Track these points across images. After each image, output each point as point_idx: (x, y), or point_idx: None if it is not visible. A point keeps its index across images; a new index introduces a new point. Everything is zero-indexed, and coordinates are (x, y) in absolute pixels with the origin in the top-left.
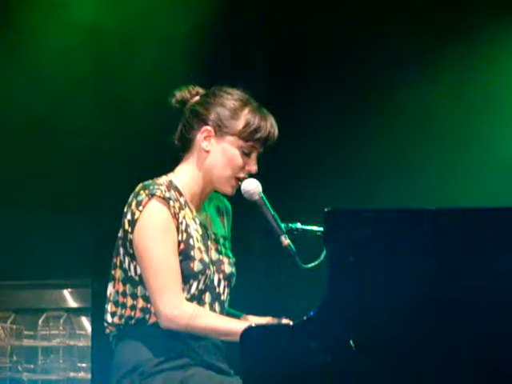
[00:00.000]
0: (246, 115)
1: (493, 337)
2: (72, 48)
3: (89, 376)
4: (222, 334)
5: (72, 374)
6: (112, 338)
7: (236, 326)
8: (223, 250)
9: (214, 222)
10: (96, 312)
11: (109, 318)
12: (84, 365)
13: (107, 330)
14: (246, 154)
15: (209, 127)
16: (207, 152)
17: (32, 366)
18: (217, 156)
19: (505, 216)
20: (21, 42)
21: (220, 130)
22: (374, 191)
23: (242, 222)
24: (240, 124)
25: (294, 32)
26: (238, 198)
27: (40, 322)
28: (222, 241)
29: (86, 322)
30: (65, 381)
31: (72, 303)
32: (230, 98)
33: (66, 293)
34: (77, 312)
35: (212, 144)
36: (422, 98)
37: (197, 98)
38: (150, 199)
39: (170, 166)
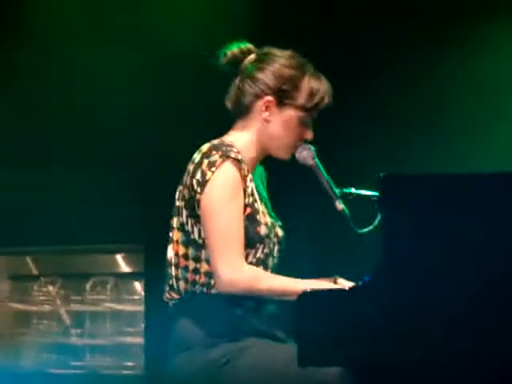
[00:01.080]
0: (306, 85)
1: None
2: None
3: (136, 340)
4: (284, 294)
5: (119, 339)
6: (172, 307)
7: (297, 285)
8: (272, 214)
9: (260, 188)
10: (149, 277)
11: (174, 283)
12: (131, 329)
13: (167, 296)
14: (304, 124)
15: (270, 97)
16: (267, 121)
17: (79, 331)
18: (277, 126)
19: None
20: None
21: (281, 101)
22: (430, 157)
23: (297, 186)
24: (302, 95)
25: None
26: (291, 163)
27: (88, 286)
28: (269, 205)
29: (138, 286)
30: (113, 345)
31: (124, 268)
32: (288, 65)
33: (119, 257)
34: (129, 277)
35: (273, 114)
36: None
37: (250, 57)
38: (224, 161)
39: (222, 128)
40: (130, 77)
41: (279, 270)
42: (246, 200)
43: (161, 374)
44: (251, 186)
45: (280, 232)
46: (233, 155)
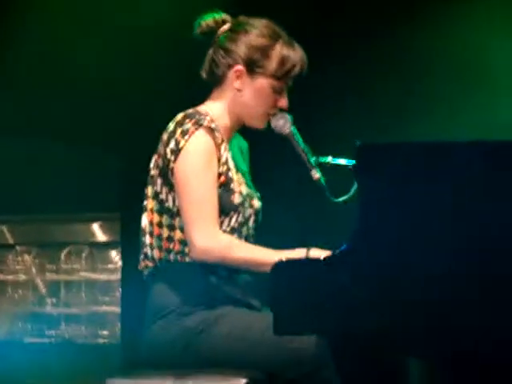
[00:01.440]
0: (277, 54)
1: None
2: None
3: (112, 309)
4: (257, 264)
5: (95, 308)
6: (147, 275)
7: (271, 255)
8: (250, 185)
9: (239, 159)
10: (125, 245)
11: (148, 251)
12: (107, 298)
13: (142, 264)
14: (277, 92)
15: (240, 66)
16: (239, 91)
17: (54, 300)
18: (249, 95)
19: None
20: None
21: (252, 69)
22: (404, 124)
23: (271, 156)
24: (273, 63)
25: None
26: (267, 132)
27: (62, 255)
28: (247, 176)
29: (114, 255)
30: (88, 314)
31: (100, 237)
32: (259, 34)
33: (95, 226)
34: (105, 246)
35: (244, 83)
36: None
37: (224, 27)
38: (196, 129)
39: (198, 99)
40: (104, 49)
41: (256, 240)
42: (220, 168)
43: (137, 342)
44: (225, 154)
45: (257, 203)
46: (206, 123)
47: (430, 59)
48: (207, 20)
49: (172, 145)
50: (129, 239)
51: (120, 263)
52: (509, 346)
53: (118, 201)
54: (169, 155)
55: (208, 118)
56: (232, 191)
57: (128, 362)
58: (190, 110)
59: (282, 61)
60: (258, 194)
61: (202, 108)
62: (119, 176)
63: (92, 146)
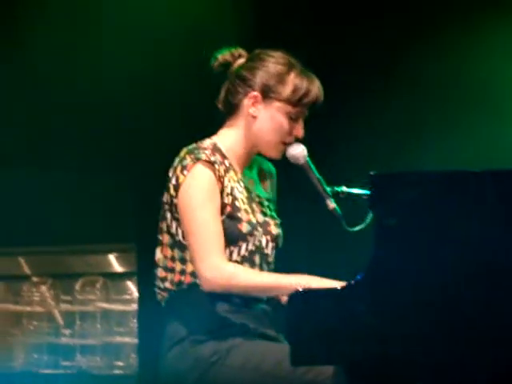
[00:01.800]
0: (292, 80)
1: None
2: None
3: (127, 340)
4: (265, 289)
5: (109, 339)
6: (163, 306)
7: (279, 279)
8: (268, 212)
9: (256, 185)
10: (142, 276)
11: (160, 284)
12: (121, 329)
13: (159, 296)
14: (293, 119)
15: (256, 92)
16: (254, 118)
17: (70, 331)
18: (264, 122)
19: None
20: None
21: (267, 95)
22: (419, 155)
23: (287, 187)
24: (287, 89)
25: None
26: (283, 162)
27: (79, 286)
28: (266, 203)
29: (130, 286)
30: (103, 345)
31: (116, 267)
32: (275, 62)
33: (111, 257)
34: (121, 276)
35: (259, 110)
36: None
37: (240, 60)
38: (195, 163)
39: (212, 129)
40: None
41: (277, 268)
42: (225, 199)
43: (153, 372)
44: (230, 185)
45: (274, 230)
46: (204, 157)
47: (443, 86)
48: (224, 53)
49: (173, 180)
50: (146, 270)
51: (136, 294)
52: None
53: (135, 231)
54: (171, 191)
55: (207, 151)
56: (239, 220)
57: None
58: (193, 145)
59: (297, 87)
60: (279, 221)
61: (206, 141)
62: (135, 206)
63: (107, 176)
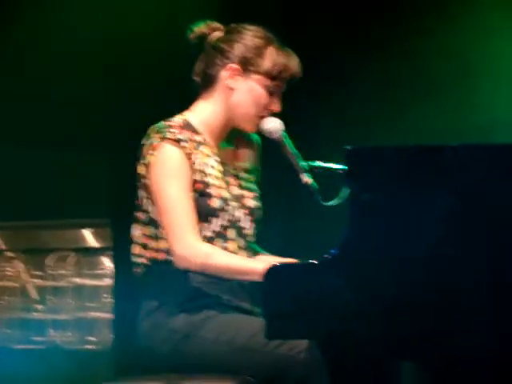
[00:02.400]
0: (271, 53)
1: None
2: None
3: (98, 315)
4: (237, 272)
5: (83, 314)
6: (138, 280)
7: (252, 264)
8: (245, 184)
9: (233, 157)
10: (118, 251)
11: (135, 259)
12: (94, 304)
13: (135, 271)
14: (270, 93)
15: (234, 65)
16: (232, 90)
17: (42, 307)
18: (242, 94)
19: None
20: None
21: (246, 68)
22: (396, 128)
23: (263, 161)
24: (266, 63)
25: None
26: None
27: (53, 261)
28: (244, 175)
29: (105, 261)
30: (75, 321)
31: (91, 243)
32: (253, 35)
33: (86, 232)
34: (96, 252)
35: (237, 82)
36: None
37: (217, 33)
38: (161, 142)
39: (185, 103)
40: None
41: (257, 240)
42: (195, 175)
43: (128, 347)
44: (200, 161)
45: (251, 202)
46: (169, 136)
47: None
48: (200, 26)
49: (142, 160)
50: (121, 245)
51: (110, 269)
52: (496, 351)
53: (110, 206)
54: (142, 170)
55: (175, 130)
56: (209, 196)
57: (119, 367)
58: (161, 123)
59: (276, 61)
60: (258, 193)
61: (177, 117)
62: (110, 182)
63: (82, 151)
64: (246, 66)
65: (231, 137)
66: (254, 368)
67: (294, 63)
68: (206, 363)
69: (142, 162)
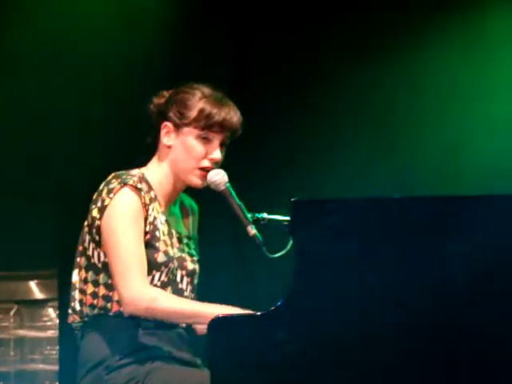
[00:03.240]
0: (199, 104)
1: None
2: None
3: (40, 367)
4: (184, 316)
5: (23, 366)
6: (76, 330)
7: (199, 307)
8: (186, 249)
9: (178, 222)
10: (63, 302)
11: (76, 306)
12: (36, 356)
13: (70, 319)
14: (205, 143)
15: (168, 123)
16: (169, 147)
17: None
18: (178, 149)
19: (470, 203)
20: None
21: (176, 123)
22: (342, 181)
23: (210, 214)
24: (194, 113)
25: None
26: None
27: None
28: (185, 240)
29: (50, 312)
30: (16, 373)
31: (36, 294)
32: (187, 92)
33: (32, 284)
34: (41, 303)
35: (172, 139)
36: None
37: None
38: (121, 187)
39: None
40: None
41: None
42: (147, 227)
43: None
44: (153, 214)
45: (190, 265)
46: (131, 182)
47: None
48: (158, 96)
49: (99, 203)
50: (67, 295)
51: (54, 320)
52: None
53: (55, 257)
54: (95, 213)
55: (135, 178)
56: (156, 250)
57: None
58: (121, 171)
59: (202, 109)
60: (197, 257)
61: (134, 170)
62: (56, 231)
63: (28, 201)
64: (177, 120)
65: (176, 203)
66: None
67: (223, 112)
68: None
69: (97, 205)
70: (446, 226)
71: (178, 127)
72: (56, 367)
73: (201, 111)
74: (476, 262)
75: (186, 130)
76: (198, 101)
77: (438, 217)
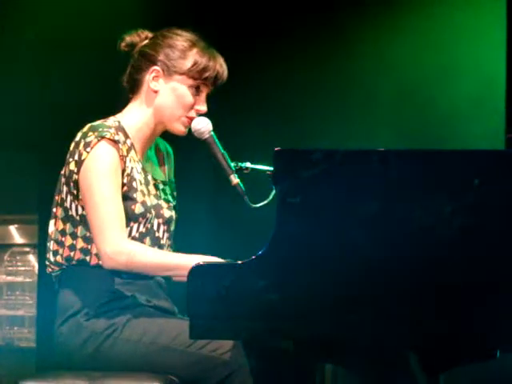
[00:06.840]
0: (194, 55)
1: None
2: None
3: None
4: (164, 269)
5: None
6: (54, 279)
7: (179, 259)
8: (162, 195)
9: (154, 167)
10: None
11: (51, 257)
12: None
13: (49, 269)
14: (195, 93)
15: (157, 67)
16: (156, 92)
17: None
18: (166, 95)
19: (454, 158)
20: None
21: (168, 69)
22: (325, 132)
23: (190, 162)
24: (188, 63)
25: None
26: (186, 137)
27: None
28: (161, 186)
29: (31, 258)
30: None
31: (17, 239)
32: (179, 39)
33: (12, 228)
34: (22, 248)
35: (160, 84)
36: None
37: (146, 41)
38: (98, 141)
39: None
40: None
41: (173, 249)
42: (124, 179)
43: (51, 345)
44: (130, 166)
45: (167, 213)
46: (108, 135)
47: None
48: (131, 35)
49: (76, 156)
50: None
51: (36, 266)
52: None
53: (37, 203)
54: (72, 167)
55: (112, 130)
56: (134, 201)
57: (42, 365)
58: (97, 122)
59: (197, 61)
60: (173, 204)
61: (111, 119)
62: (39, 178)
63: (11, 149)
64: (168, 67)
65: (151, 148)
66: (178, 368)
67: (216, 64)
68: (130, 364)
69: (74, 158)
70: (430, 180)
71: (168, 74)
72: (31, 313)
73: (195, 63)
74: (458, 216)
75: (178, 77)
76: (193, 51)
77: (422, 171)
